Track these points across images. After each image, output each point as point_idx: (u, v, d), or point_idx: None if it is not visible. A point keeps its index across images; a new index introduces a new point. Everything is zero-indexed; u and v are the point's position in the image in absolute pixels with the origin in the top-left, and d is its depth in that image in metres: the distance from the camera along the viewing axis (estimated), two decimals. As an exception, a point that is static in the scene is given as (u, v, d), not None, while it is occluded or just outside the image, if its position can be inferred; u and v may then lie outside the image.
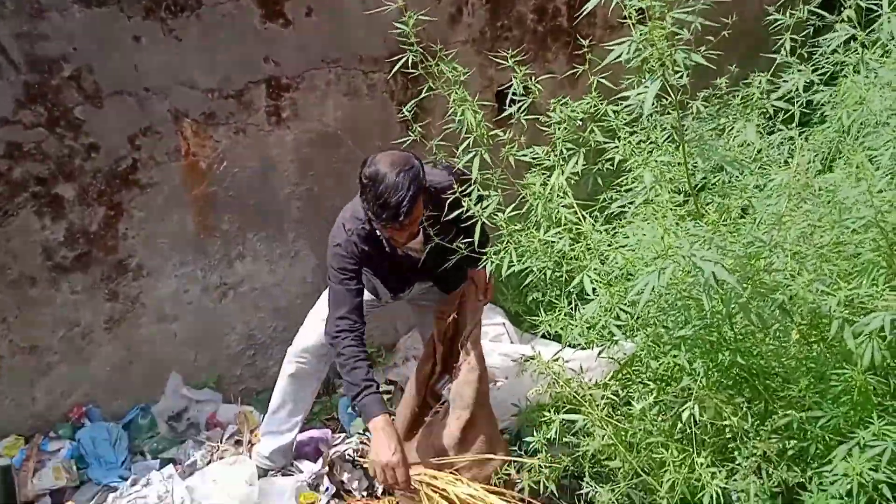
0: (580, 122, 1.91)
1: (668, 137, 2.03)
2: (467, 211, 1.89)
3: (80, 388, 2.85)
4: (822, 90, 2.13)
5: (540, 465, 1.98)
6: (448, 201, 1.95)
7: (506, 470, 2.14)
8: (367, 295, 2.37)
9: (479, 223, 1.90)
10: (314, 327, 2.49)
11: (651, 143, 2.00)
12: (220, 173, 2.79)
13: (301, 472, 2.70)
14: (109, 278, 2.75)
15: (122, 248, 2.73)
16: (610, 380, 2.21)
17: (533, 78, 1.90)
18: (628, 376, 2.23)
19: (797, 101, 2.09)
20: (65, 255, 2.64)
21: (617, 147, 1.84)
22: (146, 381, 2.95)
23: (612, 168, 2.26)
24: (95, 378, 2.86)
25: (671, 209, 1.75)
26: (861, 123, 1.97)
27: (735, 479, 1.69)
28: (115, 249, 2.72)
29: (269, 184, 2.90)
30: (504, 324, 3.30)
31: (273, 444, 2.66)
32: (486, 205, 1.91)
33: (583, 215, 1.96)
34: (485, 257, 1.95)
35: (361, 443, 2.72)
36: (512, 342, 3.28)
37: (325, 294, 2.39)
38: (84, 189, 2.58)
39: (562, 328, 2.13)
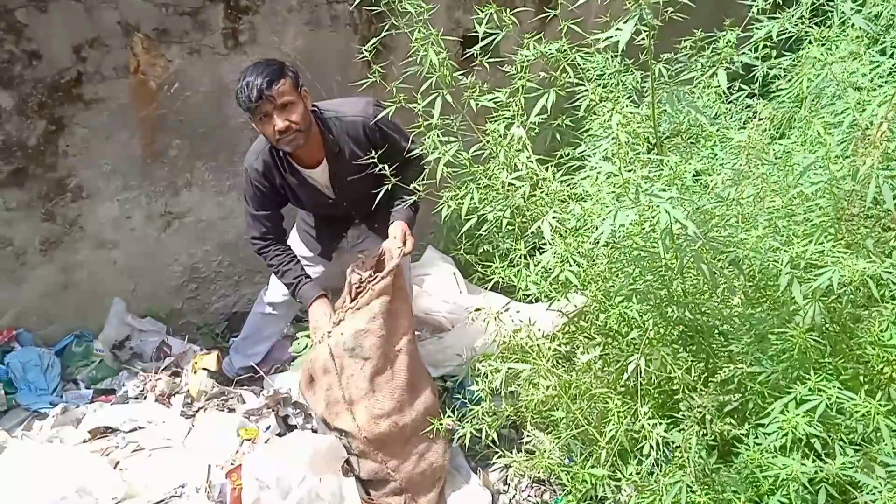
0: (548, 65, 1.87)
1: (630, 98, 2.01)
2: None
3: (11, 310, 2.74)
4: (783, 57, 2.15)
5: (483, 414, 1.98)
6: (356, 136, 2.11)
7: (448, 417, 2.13)
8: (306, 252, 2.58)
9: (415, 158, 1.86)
10: (278, 284, 2.56)
11: (616, 98, 1.98)
12: (171, 95, 2.66)
13: (244, 402, 2.67)
14: (47, 197, 2.62)
15: (62, 166, 2.60)
16: (558, 332, 2.23)
17: (502, 14, 1.83)
18: (575, 331, 2.25)
19: (758, 69, 2.10)
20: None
21: (587, 91, 1.80)
22: (82, 309, 2.85)
23: (571, 124, 2.24)
24: (28, 301, 2.75)
25: (634, 153, 1.74)
26: (817, 94, 1.99)
27: (675, 431, 1.73)
28: (54, 167, 2.58)
29: (222, 111, 2.77)
30: (454, 273, 3.29)
31: (240, 362, 2.87)
32: (446, 150, 1.85)
33: (541, 168, 1.94)
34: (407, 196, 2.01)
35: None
36: (461, 292, 3.27)
37: None
38: (23, 99, 2.43)
39: (515, 275, 2.13)
